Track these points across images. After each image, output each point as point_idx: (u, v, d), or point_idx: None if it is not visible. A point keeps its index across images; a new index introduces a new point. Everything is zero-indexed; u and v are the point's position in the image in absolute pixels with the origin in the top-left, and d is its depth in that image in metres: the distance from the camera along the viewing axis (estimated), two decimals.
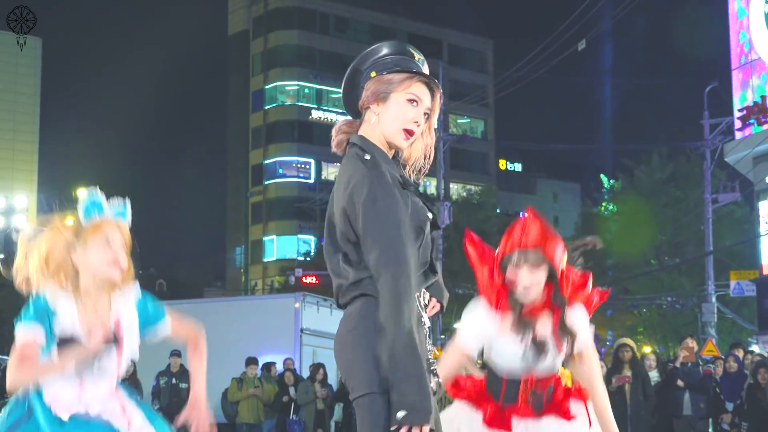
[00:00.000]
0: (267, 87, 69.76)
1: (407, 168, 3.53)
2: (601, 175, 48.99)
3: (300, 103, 68.83)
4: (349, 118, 3.58)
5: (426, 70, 3.52)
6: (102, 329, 3.94)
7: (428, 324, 3.42)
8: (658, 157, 41.30)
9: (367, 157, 3.36)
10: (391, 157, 3.48)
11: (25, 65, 64.58)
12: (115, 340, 3.96)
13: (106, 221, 4.17)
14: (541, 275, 4.51)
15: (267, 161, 69.08)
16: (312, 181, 66.80)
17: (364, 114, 3.49)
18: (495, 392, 4.54)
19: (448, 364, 4.56)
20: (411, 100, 3.43)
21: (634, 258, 39.85)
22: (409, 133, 3.44)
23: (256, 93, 70.57)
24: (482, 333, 4.53)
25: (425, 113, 3.46)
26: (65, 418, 3.83)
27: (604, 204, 47.39)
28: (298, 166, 68.13)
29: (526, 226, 4.59)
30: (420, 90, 3.45)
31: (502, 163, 78.20)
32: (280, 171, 68.66)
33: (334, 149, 3.54)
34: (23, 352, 3.83)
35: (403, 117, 3.42)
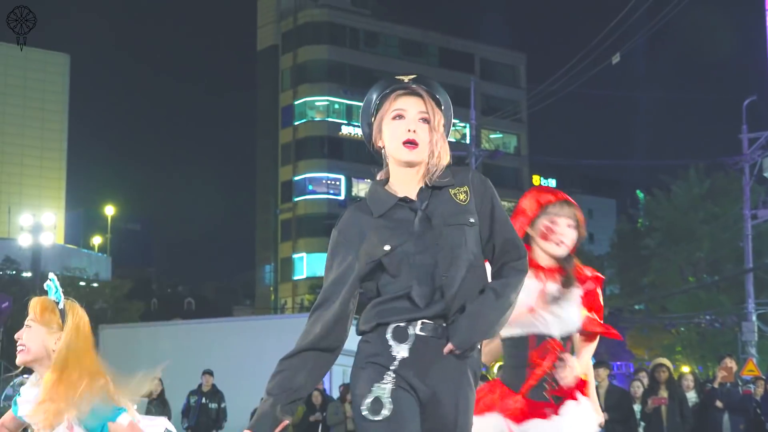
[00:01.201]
0: (296, 102, 70.00)
1: (433, 173, 3.53)
2: (637, 191, 48.84)
3: (330, 119, 69.00)
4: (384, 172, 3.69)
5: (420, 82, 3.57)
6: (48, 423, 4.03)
7: (402, 354, 3.42)
8: (695, 172, 41.08)
9: (349, 211, 3.69)
10: (413, 178, 3.52)
11: (53, 82, 65.15)
12: None
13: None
14: (573, 234, 4.56)
15: (296, 178, 69.25)
16: (342, 197, 66.87)
17: (384, 158, 3.61)
18: (518, 376, 4.48)
19: (486, 352, 4.54)
20: (396, 116, 3.50)
21: (672, 275, 39.59)
22: (410, 143, 3.48)
23: (285, 109, 70.82)
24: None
25: (421, 119, 3.50)
26: None
27: (640, 220, 47.19)
28: (328, 182, 68.24)
29: (552, 190, 4.68)
30: (402, 102, 3.51)
31: (536, 179, 78.00)
32: (310, 187, 68.80)
33: None
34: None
35: (396, 132, 3.49)
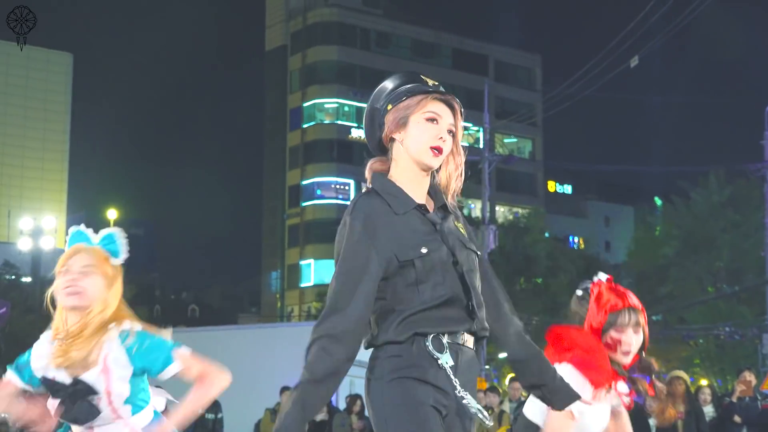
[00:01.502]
0: (305, 105, 70.09)
1: (448, 194, 3.58)
2: (655, 198, 48.77)
3: (339, 122, 69.07)
4: (378, 160, 3.63)
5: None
6: (72, 372, 4.07)
7: (450, 363, 3.42)
8: (715, 178, 41.02)
9: (364, 201, 3.47)
10: (422, 183, 3.54)
11: (56, 82, 65.34)
12: (88, 388, 4.07)
13: (77, 248, 4.21)
14: (640, 339, 4.58)
15: (304, 182, 69.32)
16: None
17: (390, 149, 3.56)
18: None
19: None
20: (430, 119, 3.49)
21: (690, 285, 39.52)
22: (437, 150, 3.49)
23: (293, 111, 70.90)
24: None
25: (449, 131, 3.52)
26: None
27: (658, 228, 47.11)
28: (337, 187, 68.30)
29: (618, 288, 4.65)
30: (438, 107, 3.51)
31: (551, 185, 77.97)
32: (318, 192, 68.86)
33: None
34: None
35: (427, 135, 3.48)
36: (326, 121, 69.63)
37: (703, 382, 28.47)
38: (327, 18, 69.83)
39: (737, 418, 14.18)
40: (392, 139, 3.54)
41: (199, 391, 4.15)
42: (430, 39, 71.78)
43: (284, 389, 18.10)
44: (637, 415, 12.71)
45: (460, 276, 3.44)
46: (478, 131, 53.07)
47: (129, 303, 4.41)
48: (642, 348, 4.61)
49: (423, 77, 3.59)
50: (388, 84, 3.60)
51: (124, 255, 4.27)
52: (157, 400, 4.35)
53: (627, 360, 4.58)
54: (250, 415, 16.28)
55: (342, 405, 18.66)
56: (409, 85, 3.56)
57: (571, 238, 69.97)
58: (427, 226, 3.47)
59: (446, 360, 3.39)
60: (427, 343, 3.37)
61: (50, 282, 4.20)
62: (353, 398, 17.56)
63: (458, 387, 3.39)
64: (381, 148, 3.60)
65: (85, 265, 4.12)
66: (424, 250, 3.41)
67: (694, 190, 41.72)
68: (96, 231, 4.30)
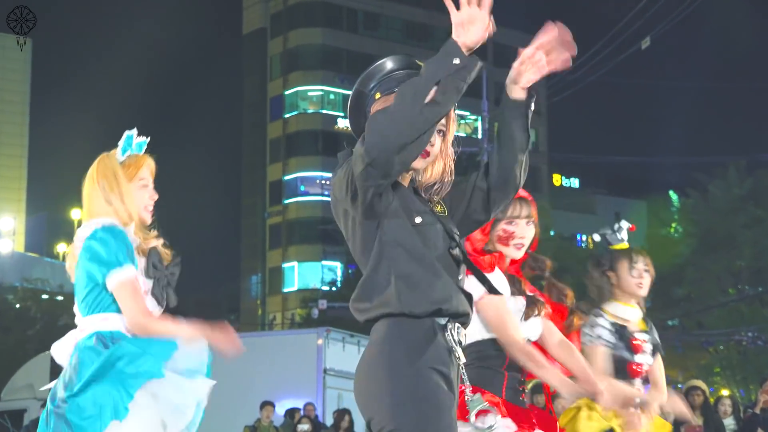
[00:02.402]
0: (287, 93, 70.10)
1: (430, 192, 3.68)
2: (670, 192, 48.81)
3: (324, 111, 69.10)
4: None
5: None
6: None
7: (463, 359, 3.49)
8: (735, 170, 41.11)
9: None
10: (407, 183, 3.62)
11: (13, 70, 65.17)
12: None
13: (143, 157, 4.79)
14: (531, 233, 4.78)
15: (287, 177, 69.33)
16: None
17: None
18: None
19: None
20: None
21: (709, 287, 39.59)
22: (425, 153, 3.54)
23: (274, 99, 70.91)
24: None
25: (439, 130, 3.59)
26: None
27: (673, 225, 47.20)
28: (323, 182, 68.28)
29: None
30: None
31: (557, 179, 78.10)
32: (302, 188, 68.89)
33: None
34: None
35: None
36: (310, 111, 69.65)
37: (724, 392, 28.55)
38: None
39: (760, 431, 14.20)
40: None
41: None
42: (423, 20, 71.78)
43: (265, 404, 18.10)
44: None
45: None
46: (476, 120, 53.04)
47: None
48: (531, 244, 4.80)
49: (418, 63, 3.63)
50: (380, 66, 3.66)
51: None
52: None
53: (519, 254, 4.75)
54: (224, 430, 16.26)
55: (329, 420, 18.66)
56: (402, 73, 3.61)
57: (578, 236, 70.11)
58: (425, 205, 3.60)
59: (460, 355, 3.50)
60: (446, 329, 3.46)
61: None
62: (341, 413, 17.55)
63: (469, 389, 3.49)
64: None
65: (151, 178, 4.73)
66: (418, 220, 3.51)
67: (712, 183, 41.80)
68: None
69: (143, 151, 4.75)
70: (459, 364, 3.47)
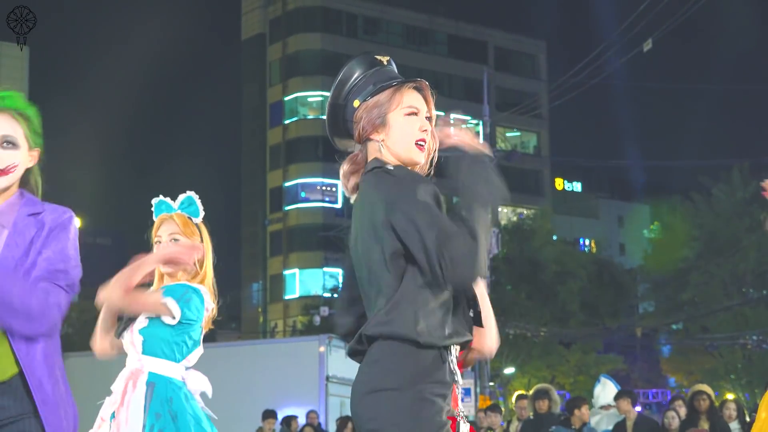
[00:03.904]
0: (286, 98, 70.10)
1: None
2: (674, 196, 48.79)
3: (324, 117, 68.94)
4: (347, 161, 3.72)
5: (394, 69, 3.70)
6: None
7: (460, 380, 3.49)
8: (739, 173, 41.09)
9: (390, 167, 3.48)
10: None
11: (10, 78, 65.18)
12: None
13: (162, 218, 5.25)
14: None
15: (287, 184, 69.33)
16: (339, 206, 66.94)
17: (365, 148, 3.64)
18: None
19: None
20: (410, 113, 3.58)
21: (713, 291, 39.56)
22: (423, 142, 3.58)
23: (274, 105, 70.92)
24: None
25: (427, 117, 3.62)
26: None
27: (677, 229, 47.13)
28: (323, 188, 68.30)
29: None
30: (412, 98, 3.60)
31: (559, 183, 78.05)
32: (303, 195, 68.87)
33: (349, 195, 3.68)
34: None
35: (411, 131, 3.57)
36: (310, 117, 69.64)
37: (729, 396, 28.56)
38: (309, 2, 69.86)
39: None
40: (368, 140, 3.61)
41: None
42: (424, 24, 71.86)
43: (267, 413, 18.06)
44: None
45: None
46: (477, 125, 53.00)
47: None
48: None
49: (378, 57, 3.67)
50: (346, 75, 3.67)
51: (202, 214, 5.27)
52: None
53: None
54: None
55: (332, 428, 18.65)
56: (369, 73, 3.63)
57: (581, 241, 70.09)
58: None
59: (460, 384, 3.53)
60: (452, 357, 3.44)
61: None
62: (344, 420, 17.54)
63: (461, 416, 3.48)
64: (346, 146, 3.73)
65: (171, 233, 5.10)
66: None
67: (717, 186, 41.78)
68: None
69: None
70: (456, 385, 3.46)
